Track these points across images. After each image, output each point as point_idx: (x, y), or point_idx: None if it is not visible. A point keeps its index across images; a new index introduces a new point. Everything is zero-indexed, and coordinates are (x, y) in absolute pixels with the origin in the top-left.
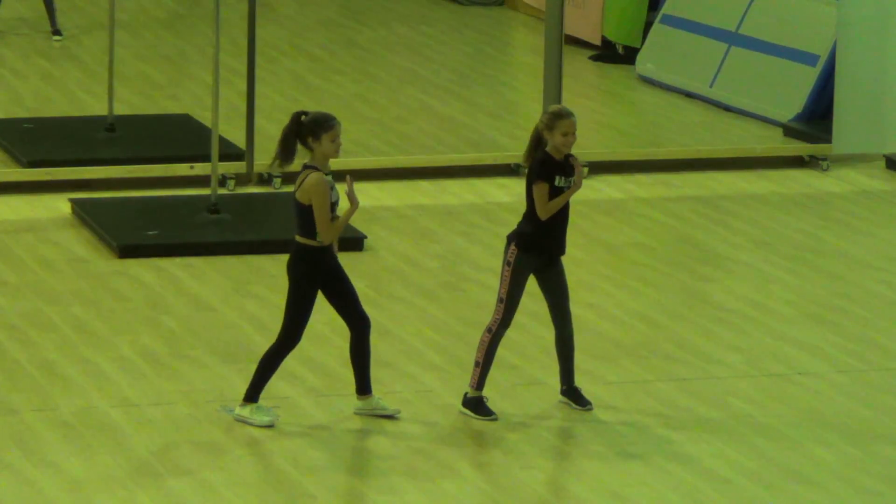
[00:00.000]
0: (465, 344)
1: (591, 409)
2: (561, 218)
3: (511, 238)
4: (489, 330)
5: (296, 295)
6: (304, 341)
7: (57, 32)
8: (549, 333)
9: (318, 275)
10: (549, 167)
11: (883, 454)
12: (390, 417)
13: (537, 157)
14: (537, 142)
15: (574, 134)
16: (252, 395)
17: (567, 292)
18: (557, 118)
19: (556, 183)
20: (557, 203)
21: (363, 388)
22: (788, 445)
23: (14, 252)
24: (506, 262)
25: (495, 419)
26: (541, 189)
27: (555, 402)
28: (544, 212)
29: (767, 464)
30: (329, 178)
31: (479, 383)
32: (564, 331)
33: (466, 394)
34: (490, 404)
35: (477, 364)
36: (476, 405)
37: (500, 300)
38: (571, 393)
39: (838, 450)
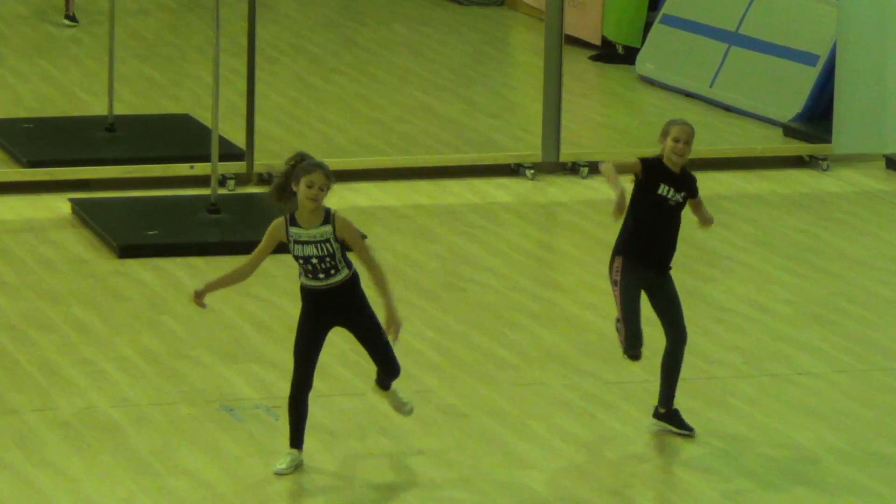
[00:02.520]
0: (465, 344)
1: (692, 436)
2: (665, 225)
3: (613, 251)
4: (632, 357)
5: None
6: None
7: (71, 18)
8: (549, 333)
9: (314, 314)
10: (656, 169)
11: (883, 454)
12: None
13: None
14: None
15: (687, 143)
16: (293, 442)
17: (680, 305)
18: (671, 124)
19: (660, 191)
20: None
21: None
22: (788, 445)
23: (14, 252)
24: (613, 283)
25: (690, 435)
26: (631, 161)
27: (555, 401)
28: (606, 164)
29: (767, 464)
30: (306, 231)
31: (663, 400)
32: (678, 346)
33: (657, 407)
34: (490, 404)
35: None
36: (670, 418)
37: (617, 321)
38: (672, 416)
39: (838, 450)
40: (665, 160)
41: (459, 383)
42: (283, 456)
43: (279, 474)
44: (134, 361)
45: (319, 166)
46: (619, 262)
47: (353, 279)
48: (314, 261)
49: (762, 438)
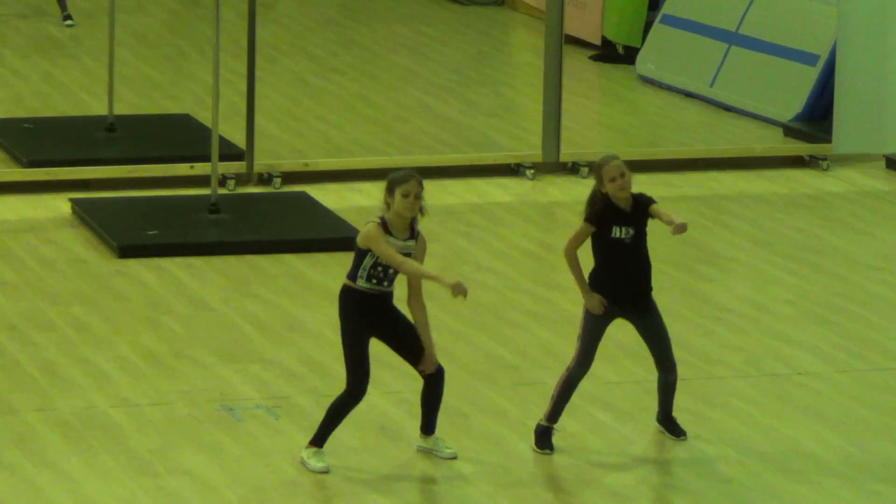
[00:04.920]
0: (465, 344)
1: (685, 439)
2: (629, 260)
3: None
4: (568, 368)
5: (342, 335)
6: (303, 341)
7: (68, 18)
8: (549, 333)
9: (360, 316)
10: (605, 215)
11: (883, 454)
12: (451, 458)
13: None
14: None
15: (622, 175)
16: (317, 440)
17: (666, 336)
18: (600, 167)
19: (613, 234)
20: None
21: (427, 429)
22: (788, 445)
23: (14, 252)
24: (584, 309)
25: (548, 453)
26: (583, 230)
27: None
28: (567, 248)
29: (767, 464)
30: (397, 241)
31: (550, 415)
32: (668, 377)
33: (539, 422)
34: (489, 404)
35: (552, 398)
36: (539, 434)
37: (578, 338)
38: (668, 422)
39: (838, 450)
40: (613, 200)
41: (459, 383)
42: (314, 454)
43: (324, 472)
44: (134, 361)
45: (414, 176)
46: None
47: (392, 293)
48: (391, 271)
49: (762, 438)
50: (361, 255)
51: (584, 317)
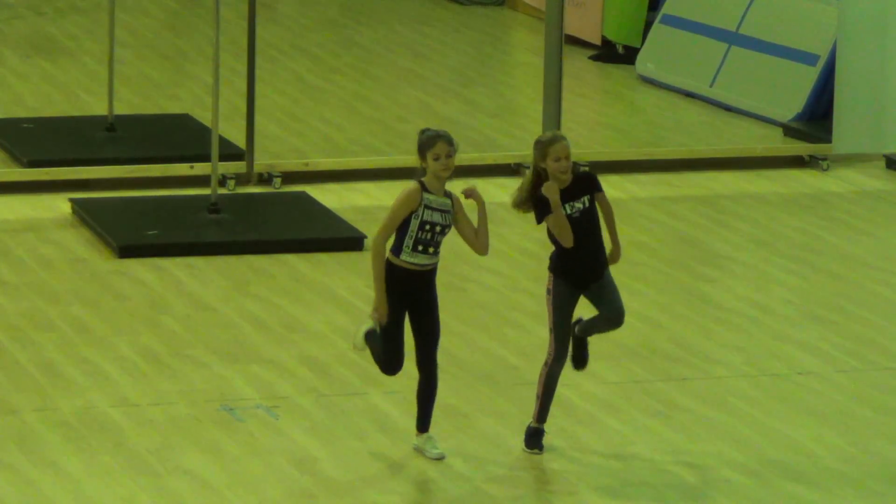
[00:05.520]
0: (465, 344)
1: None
2: (586, 238)
3: (549, 266)
4: (546, 363)
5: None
6: (303, 341)
7: None
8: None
9: (398, 293)
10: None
11: (883, 454)
12: (437, 459)
13: (536, 194)
14: (537, 178)
15: (567, 158)
16: (420, 426)
17: (618, 302)
18: (546, 144)
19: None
20: (560, 224)
21: (423, 426)
22: (788, 445)
23: (14, 252)
24: (547, 291)
25: (538, 453)
26: (550, 222)
27: (555, 401)
28: (567, 239)
29: (767, 464)
30: (436, 198)
31: (538, 416)
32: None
33: (529, 423)
34: (489, 404)
35: (537, 397)
36: (529, 435)
37: (549, 331)
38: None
39: (838, 450)
40: (552, 179)
41: (459, 383)
42: (428, 440)
43: (441, 458)
44: (134, 361)
45: (440, 136)
46: (550, 279)
47: (436, 269)
48: (437, 228)
49: (762, 438)
50: (406, 223)
51: (552, 308)
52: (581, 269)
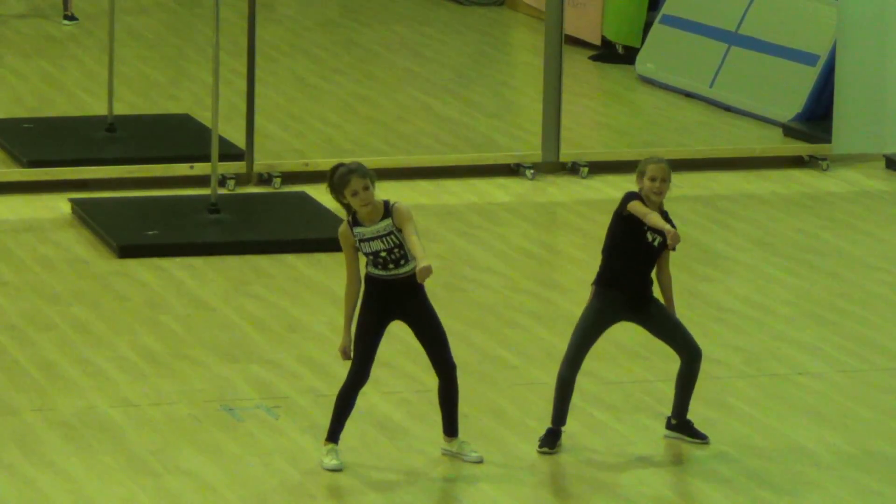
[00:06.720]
0: (465, 344)
1: (707, 443)
2: (645, 265)
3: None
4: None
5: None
6: (303, 341)
7: (70, 17)
8: (549, 333)
9: (382, 300)
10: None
11: (883, 454)
12: (477, 462)
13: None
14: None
15: (663, 181)
16: (330, 436)
17: (674, 325)
18: (646, 163)
19: (648, 238)
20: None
21: (449, 430)
22: (788, 445)
23: (14, 252)
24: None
25: (546, 452)
26: (634, 206)
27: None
28: (644, 212)
29: (767, 464)
30: (369, 228)
31: (552, 418)
32: (692, 364)
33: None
34: (489, 404)
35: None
36: (544, 435)
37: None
38: (684, 426)
39: (838, 450)
40: (644, 199)
41: (459, 383)
42: (328, 452)
43: (337, 469)
44: (134, 361)
45: (352, 172)
46: (593, 291)
47: (416, 276)
48: (383, 254)
49: (762, 438)
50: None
51: (582, 317)
52: (631, 290)
